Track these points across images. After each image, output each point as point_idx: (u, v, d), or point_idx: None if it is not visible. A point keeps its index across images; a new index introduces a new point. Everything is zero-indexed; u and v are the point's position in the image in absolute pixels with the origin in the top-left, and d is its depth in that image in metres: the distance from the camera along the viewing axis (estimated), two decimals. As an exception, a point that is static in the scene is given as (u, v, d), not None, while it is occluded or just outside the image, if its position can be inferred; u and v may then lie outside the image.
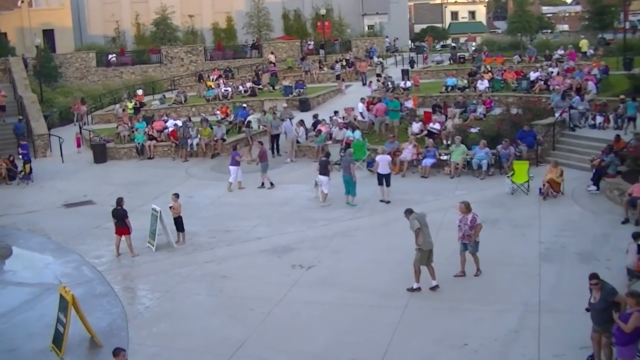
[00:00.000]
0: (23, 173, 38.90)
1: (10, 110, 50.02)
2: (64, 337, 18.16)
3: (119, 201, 26.07)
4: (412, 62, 66.08)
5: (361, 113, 42.14)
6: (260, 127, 43.64)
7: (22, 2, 78.43)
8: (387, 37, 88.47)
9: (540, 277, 20.92)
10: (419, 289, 20.62)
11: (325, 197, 30.75)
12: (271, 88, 59.71)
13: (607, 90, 43.06)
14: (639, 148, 29.51)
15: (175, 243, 26.60)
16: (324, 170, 30.70)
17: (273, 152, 39.51)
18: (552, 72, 48.25)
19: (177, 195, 27.33)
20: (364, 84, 57.24)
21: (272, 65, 67.09)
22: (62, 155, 43.56)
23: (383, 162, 30.37)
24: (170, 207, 26.85)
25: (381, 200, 29.93)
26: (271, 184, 34.36)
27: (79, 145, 47.57)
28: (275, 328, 19.13)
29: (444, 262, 21.60)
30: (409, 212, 21.08)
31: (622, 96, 37.73)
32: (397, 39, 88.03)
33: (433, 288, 20.73)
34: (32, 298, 22.98)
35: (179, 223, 26.96)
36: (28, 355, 19.12)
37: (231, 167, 34.52)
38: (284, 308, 20.54)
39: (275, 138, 40.63)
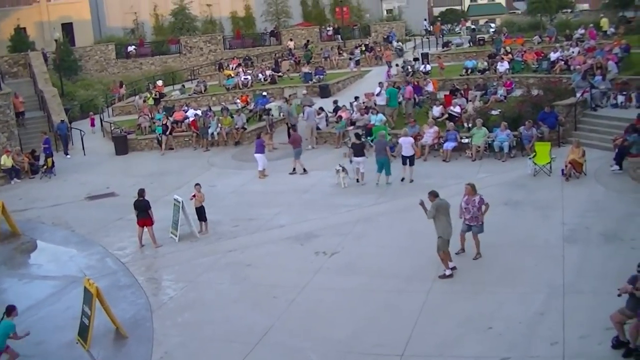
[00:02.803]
0: (45, 167, 39.11)
1: (32, 105, 50.17)
2: (89, 329, 18.26)
3: (141, 192, 26.16)
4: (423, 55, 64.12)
5: (387, 97, 41.79)
6: (281, 114, 43.55)
7: (41, -4, 78.95)
8: (425, 19, 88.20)
9: (564, 259, 20.78)
10: (451, 275, 20.61)
11: (362, 176, 31.31)
12: (305, 62, 61.00)
13: (629, 68, 42.58)
14: (662, 126, 29.24)
15: (198, 233, 26.68)
16: (360, 151, 31.00)
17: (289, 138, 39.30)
18: (572, 52, 47.85)
19: (199, 185, 27.35)
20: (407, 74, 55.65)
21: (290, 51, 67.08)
22: (83, 148, 43.72)
23: (406, 144, 30.47)
24: (193, 197, 26.88)
25: (402, 179, 29.87)
26: (304, 170, 34.36)
27: (92, 125, 48.06)
28: (299, 315, 19.14)
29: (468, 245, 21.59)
30: (433, 195, 21.00)
31: (643, 75, 37.51)
32: (435, 19, 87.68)
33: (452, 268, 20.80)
34: (57, 291, 23.13)
35: (201, 212, 27.01)
36: (54, 347, 19.26)
37: (257, 155, 34.56)
38: (307, 295, 20.57)
39: (292, 127, 40.56)
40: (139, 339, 18.18)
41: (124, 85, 59.17)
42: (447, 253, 20.66)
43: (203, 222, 27.07)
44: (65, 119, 46.23)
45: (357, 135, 32.51)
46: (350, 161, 31.78)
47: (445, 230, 20.56)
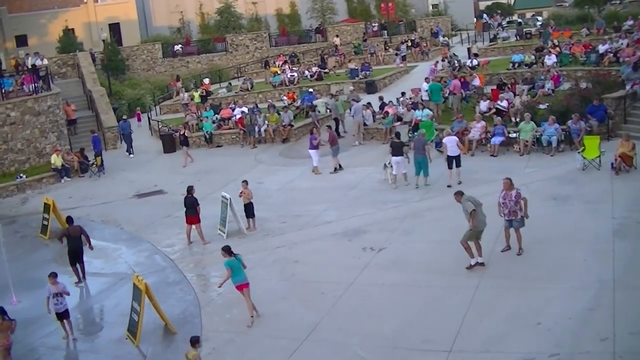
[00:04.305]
0: (95, 165, 39.51)
1: (80, 104, 50.72)
2: (138, 325, 18.48)
3: (189, 189, 26.43)
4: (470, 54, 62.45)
5: (426, 91, 41.68)
6: (327, 111, 43.55)
7: (88, -3, 79.82)
8: (486, 13, 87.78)
9: (614, 254, 20.53)
10: (477, 263, 20.77)
11: (395, 179, 30.73)
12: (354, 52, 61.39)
13: (681, 59, 42.12)
14: None
15: (246, 229, 26.79)
16: (398, 151, 30.58)
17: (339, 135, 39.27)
18: (621, 44, 47.25)
19: (246, 182, 27.47)
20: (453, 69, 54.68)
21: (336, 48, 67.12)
22: (132, 146, 44.09)
23: (451, 143, 29.89)
24: (241, 194, 26.99)
25: (448, 186, 29.24)
26: (339, 166, 34.36)
27: (139, 120, 49.24)
28: (347, 311, 19.17)
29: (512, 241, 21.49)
30: (459, 194, 21.13)
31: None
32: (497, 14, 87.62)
33: (481, 264, 20.83)
34: (106, 288, 23.46)
35: (249, 209, 27.15)
36: (104, 343, 19.59)
37: (311, 151, 34.70)
38: (355, 291, 20.60)
39: (336, 121, 40.58)
40: (187, 335, 18.28)
41: (180, 80, 59.74)
42: (477, 242, 20.84)
43: (251, 219, 27.19)
44: (127, 119, 46.70)
45: (397, 134, 32.37)
46: (388, 162, 31.42)
47: (480, 220, 20.74)
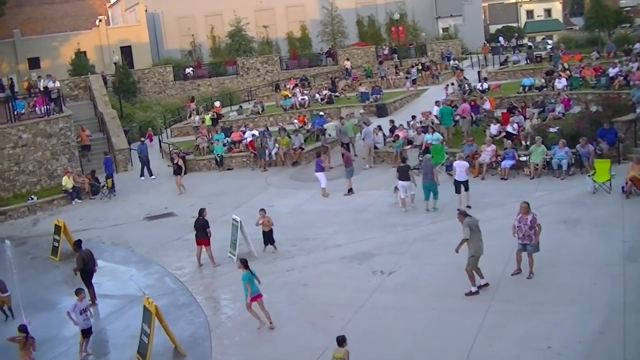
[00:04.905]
0: (106, 187, 39.62)
1: (92, 126, 50.90)
2: (148, 347, 18.47)
3: (201, 212, 26.57)
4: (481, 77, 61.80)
5: (436, 116, 41.82)
6: (337, 134, 43.60)
7: (100, 21, 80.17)
8: (501, 35, 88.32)
9: (625, 277, 20.52)
10: (477, 291, 20.73)
11: (404, 202, 30.64)
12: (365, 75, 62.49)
13: (690, 83, 42.20)
14: None
15: (266, 251, 26.94)
16: (405, 175, 30.59)
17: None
18: (632, 67, 47.30)
19: (264, 210, 27.41)
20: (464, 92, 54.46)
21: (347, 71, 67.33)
22: (142, 169, 44.11)
23: (460, 168, 29.84)
24: (260, 223, 26.96)
25: (458, 210, 29.11)
26: (350, 189, 34.41)
27: (150, 140, 49.47)
28: (356, 335, 19.06)
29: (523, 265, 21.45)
30: (463, 214, 21.32)
31: None
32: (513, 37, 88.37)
33: (483, 286, 20.88)
34: (117, 309, 23.49)
35: (269, 236, 27.15)
36: (114, 365, 19.55)
37: (318, 174, 34.79)
38: (365, 314, 20.58)
39: (345, 145, 40.65)
40: (197, 358, 18.31)
41: (195, 101, 60.18)
42: (477, 269, 20.83)
43: (271, 245, 27.24)
44: (144, 141, 46.84)
45: (403, 159, 32.43)
46: (399, 185, 31.38)
47: (479, 247, 20.77)
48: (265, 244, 27.12)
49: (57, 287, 26.52)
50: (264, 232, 27.07)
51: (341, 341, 16.11)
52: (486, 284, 20.89)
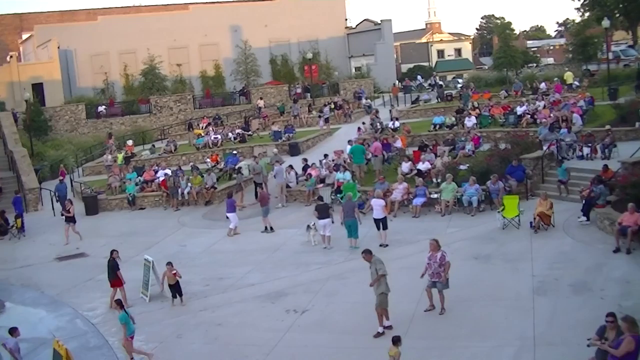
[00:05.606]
0: (15, 227, 38.86)
1: (2, 165, 50.09)
2: (58, 391, 18.14)
3: (111, 253, 26.15)
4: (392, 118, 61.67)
5: (348, 154, 42.12)
6: (250, 173, 43.58)
7: (11, 57, 79.00)
8: (419, 74, 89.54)
9: (535, 311, 20.94)
10: (383, 332, 20.72)
11: (324, 239, 30.82)
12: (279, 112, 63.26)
13: (593, 121, 43.57)
14: (627, 177, 29.61)
15: (179, 305, 25.94)
16: (324, 213, 30.75)
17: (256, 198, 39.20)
18: (538, 106, 48.52)
19: (171, 264, 26.06)
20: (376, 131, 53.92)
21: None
22: (53, 208, 43.36)
23: (377, 206, 30.11)
24: (166, 277, 26.15)
25: (381, 245, 29.18)
26: (270, 228, 34.49)
27: (63, 176, 48.42)
28: (270, 374, 19.12)
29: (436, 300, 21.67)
30: (369, 252, 21.42)
31: (607, 126, 38.22)
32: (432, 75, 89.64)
33: (387, 328, 20.90)
34: (26, 353, 22.80)
35: (176, 289, 25.92)
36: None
37: (229, 214, 34.79)
38: (279, 353, 20.55)
39: (259, 184, 40.76)
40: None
41: (113, 137, 59.84)
42: (385, 310, 20.90)
43: (179, 296, 26.05)
44: (63, 179, 46.10)
45: (320, 197, 32.69)
46: (311, 224, 31.51)
47: (387, 285, 20.87)
48: (173, 296, 26.06)
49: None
50: (169, 284, 26.01)
51: (396, 340, 16.95)
52: (390, 326, 20.92)
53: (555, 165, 35.59)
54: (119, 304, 20.72)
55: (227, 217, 35.02)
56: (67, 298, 27.78)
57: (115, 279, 25.83)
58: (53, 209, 43.10)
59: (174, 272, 25.71)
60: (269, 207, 35.16)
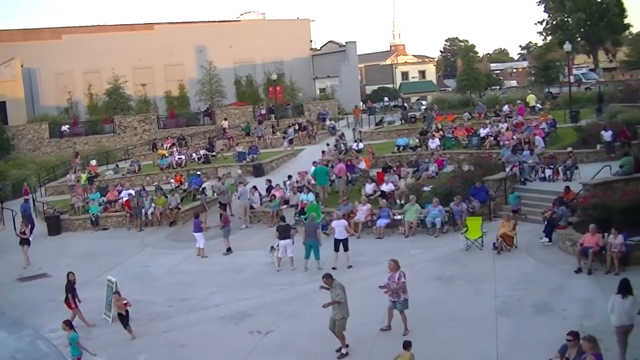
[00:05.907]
0: (-26, 248, 38.47)
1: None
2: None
3: (67, 275, 25.94)
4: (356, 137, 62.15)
5: (312, 175, 42.12)
6: (214, 194, 43.49)
7: (-28, 75, 78.57)
8: (386, 96, 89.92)
9: (497, 332, 21.06)
10: (347, 353, 20.70)
11: (289, 261, 30.78)
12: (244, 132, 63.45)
13: (555, 143, 44.15)
14: (588, 198, 29.96)
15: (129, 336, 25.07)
16: (285, 234, 30.76)
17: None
18: (501, 128, 48.97)
19: (118, 294, 25.40)
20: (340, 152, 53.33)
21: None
22: (15, 228, 42.91)
23: (339, 227, 30.23)
24: (124, 304, 25.06)
25: (333, 268, 28.64)
26: (228, 249, 34.33)
27: (27, 194, 48.17)
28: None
29: (395, 322, 21.74)
30: (329, 277, 21.34)
31: (569, 148, 38.66)
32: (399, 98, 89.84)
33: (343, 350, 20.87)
34: (-14, 376, 22.72)
35: (123, 319, 24.81)
36: None
37: (195, 234, 34.69)
38: (242, 375, 20.48)
39: (223, 205, 40.57)
40: None
41: (79, 156, 59.70)
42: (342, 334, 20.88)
43: (126, 327, 24.87)
44: (29, 199, 45.73)
45: (282, 218, 32.73)
46: (275, 245, 31.43)
47: (348, 309, 20.83)
48: (124, 326, 24.80)
49: None
50: (118, 314, 25.11)
51: (407, 345, 17.16)
52: (345, 347, 20.92)
53: (517, 187, 35.89)
54: (68, 324, 20.72)
55: (194, 237, 34.88)
56: (29, 319, 27.46)
57: (67, 301, 25.65)
58: (15, 228, 42.68)
59: (125, 302, 25.12)
60: (230, 228, 35.10)
